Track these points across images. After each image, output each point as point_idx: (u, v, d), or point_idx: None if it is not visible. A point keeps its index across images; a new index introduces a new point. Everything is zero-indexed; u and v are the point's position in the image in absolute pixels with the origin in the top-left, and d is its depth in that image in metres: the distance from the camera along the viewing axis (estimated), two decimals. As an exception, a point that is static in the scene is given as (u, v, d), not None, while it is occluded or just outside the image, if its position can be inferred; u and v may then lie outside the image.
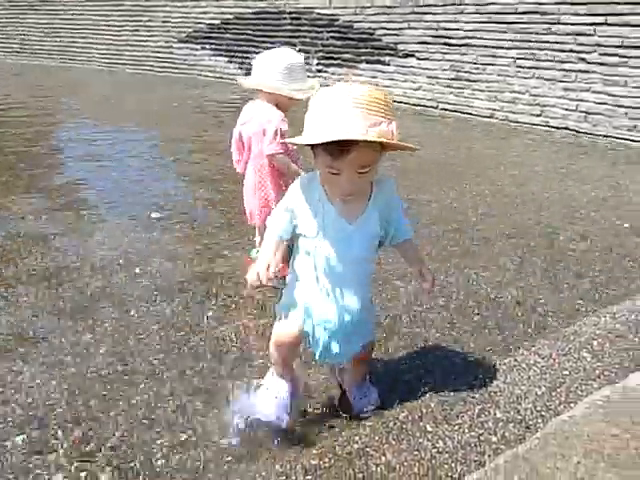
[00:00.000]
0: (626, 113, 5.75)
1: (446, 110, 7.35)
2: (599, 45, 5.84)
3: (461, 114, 7.17)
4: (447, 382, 1.98)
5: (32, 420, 1.82)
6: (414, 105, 7.67)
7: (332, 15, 8.43)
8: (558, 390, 1.92)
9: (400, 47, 7.77)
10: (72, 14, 12.32)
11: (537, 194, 4.22)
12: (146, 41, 11.34)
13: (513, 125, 6.64)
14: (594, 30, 5.84)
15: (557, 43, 6.16)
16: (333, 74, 8.42)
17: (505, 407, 1.84)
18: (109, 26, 11.78)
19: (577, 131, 6.13)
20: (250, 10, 9.51)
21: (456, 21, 7.03)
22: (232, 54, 10.02)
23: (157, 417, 1.85)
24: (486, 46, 6.80)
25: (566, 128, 6.23)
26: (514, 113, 6.69)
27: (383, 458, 1.65)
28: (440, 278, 2.76)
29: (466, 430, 1.74)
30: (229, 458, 1.68)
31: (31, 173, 4.59)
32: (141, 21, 11.30)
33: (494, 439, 1.70)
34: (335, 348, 1.70)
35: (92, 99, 8.75)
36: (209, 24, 10.24)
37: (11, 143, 5.61)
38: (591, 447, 1.49)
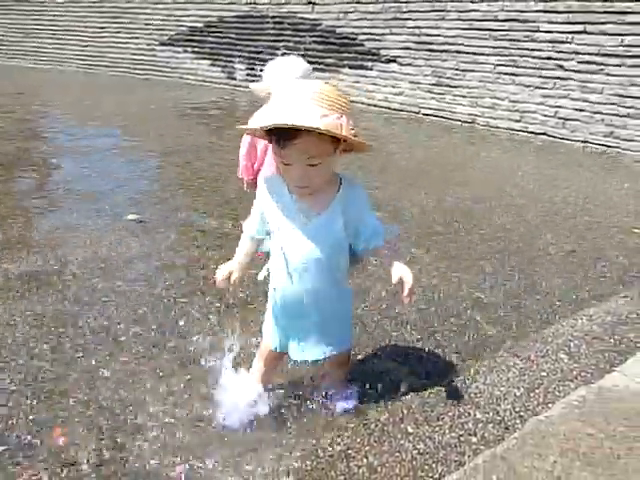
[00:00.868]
0: (602, 120, 5.87)
1: (427, 115, 7.42)
2: (577, 53, 5.96)
3: (442, 119, 7.25)
4: (428, 384, 2.01)
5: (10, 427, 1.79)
6: (396, 110, 7.74)
7: (315, 20, 8.47)
8: (536, 391, 1.96)
9: (383, 52, 7.83)
10: (53, 15, 12.18)
11: (516, 198, 4.29)
12: (127, 43, 11.26)
13: (493, 130, 6.74)
14: (572, 38, 5.95)
15: (537, 50, 6.27)
16: (316, 78, 8.41)
17: (485, 408, 1.88)
18: (90, 28, 11.67)
19: (555, 137, 6.25)
20: (233, 14, 9.49)
21: (438, 27, 7.11)
22: (214, 57, 10.00)
23: (134, 424, 1.84)
24: (467, 52, 6.89)
25: (544, 134, 6.34)
26: (494, 119, 6.78)
27: (365, 460, 1.66)
28: (421, 281, 2.79)
29: (446, 431, 1.77)
30: (211, 463, 1.68)
31: None
32: (122, 23, 11.21)
33: (474, 440, 1.73)
34: (308, 345, 1.74)
35: (65, 100, 8.65)
36: (191, 27, 10.20)
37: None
38: (567, 446, 1.52)
